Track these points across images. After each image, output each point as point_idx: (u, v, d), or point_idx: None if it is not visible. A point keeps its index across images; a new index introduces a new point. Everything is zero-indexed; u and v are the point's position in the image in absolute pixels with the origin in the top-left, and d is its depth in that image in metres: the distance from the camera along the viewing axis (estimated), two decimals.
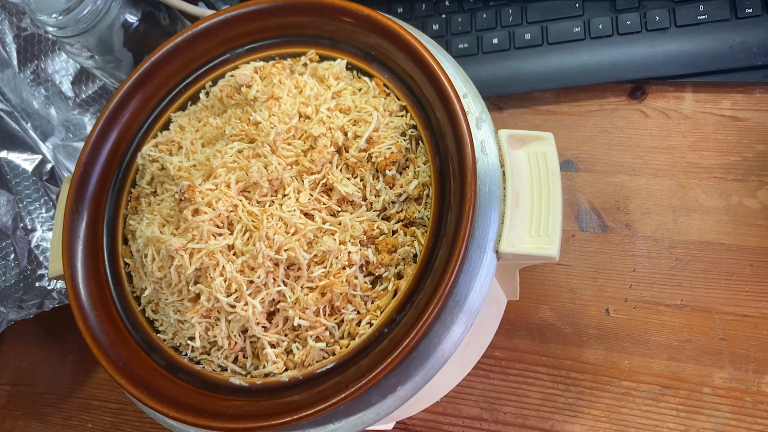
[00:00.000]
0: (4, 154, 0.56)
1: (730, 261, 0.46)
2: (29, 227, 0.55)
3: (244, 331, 0.36)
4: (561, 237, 0.35)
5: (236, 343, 0.36)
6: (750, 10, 0.48)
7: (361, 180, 0.38)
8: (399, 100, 0.39)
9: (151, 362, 0.38)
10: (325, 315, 0.36)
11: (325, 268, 0.36)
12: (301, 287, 0.36)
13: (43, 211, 0.56)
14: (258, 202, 0.37)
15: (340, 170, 0.38)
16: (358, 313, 0.36)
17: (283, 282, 0.36)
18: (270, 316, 0.37)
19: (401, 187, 0.37)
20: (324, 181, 0.37)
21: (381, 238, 0.36)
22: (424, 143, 0.38)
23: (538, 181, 0.36)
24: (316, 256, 0.36)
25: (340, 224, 0.37)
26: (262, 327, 0.36)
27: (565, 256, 0.49)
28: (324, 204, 0.37)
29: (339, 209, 0.37)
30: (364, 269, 0.37)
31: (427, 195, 0.37)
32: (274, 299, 0.36)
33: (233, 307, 0.35)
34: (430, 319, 0.32)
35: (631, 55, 0.51)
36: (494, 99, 0.55)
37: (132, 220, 0.41)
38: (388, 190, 0.37)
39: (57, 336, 0.59)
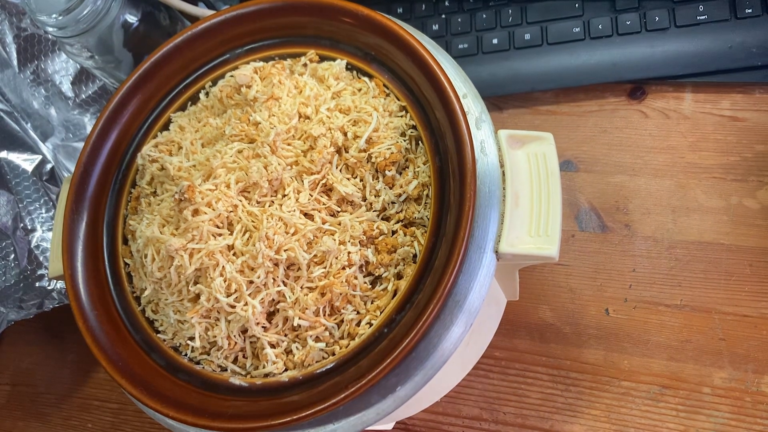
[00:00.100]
0: (4, 154, 0.56)
1: (729, 261, 0.46)
2: (29, 227, 0.55)
3: (244, 331, 0.36)
4: (560, 237, 0.35)
5: (236, 343, 0.36)
6: (749, 11, 0.48)
7: (361, 180, 0.38)
8: (399, 100, 0.39)
9: (151, 362, 0.38)
10: (324, 315, 0.36)
11: (325, 268, 0.36)
12: (301, 287, 0.36)
13: (43, 211, 0.56)
14: (258, 203, 0.37)
15: (340, 170, 0.38)
16: (358, 313, 0.36)
17: (283, 282, 0.36)
18: (270, 316, 0.37)
19: (401, 187, 0.37)
20: (324, 181, 0.37)
21: (381, 238, 0.36)
22: (423, 143, 0.38)
23: (537, 182, 0.36)
24: (315, 256, 0.36)
25: (339, 224, 0.37)
26: (262, 327, 0.36)
27: (564, 256, 0.49)
28: (324, 204, 0.37)
29: (339, 209, 0.37)
30: (364, 269, 0.37)
31: (427, 195, 0.37)
32: (273, 299, 0.36)
33: (233, 307, 0.35)
34: (429, 320, 0.32)
35: (630, 55, 0.51)
36: (494, 99, 0.55)
37: (132, 220, 0.41)
38: (388, 190, 0.37)
39: (57, 336, 0.59)
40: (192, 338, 0.37)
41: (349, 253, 0.36)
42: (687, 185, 0.49)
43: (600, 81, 0.51)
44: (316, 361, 0.36)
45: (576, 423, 0.45)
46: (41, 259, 0.55)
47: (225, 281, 0.35)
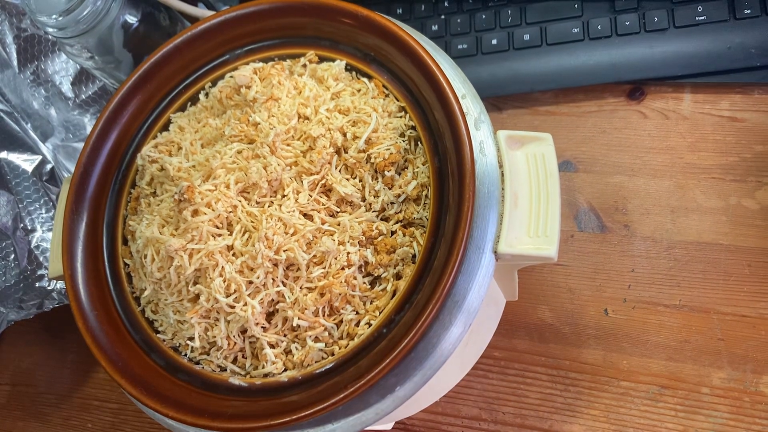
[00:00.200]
0: (4, 154, 0.56)
1: (728, 261, 0.46)
2: (29, 227, 0.55)
3: (244, 331, 0.37)
4: (559, 237, 0.35)
5: (235, 343, 0.36)
6: (748, 11, 0.48)
7: (360, 181, 0.38)
8: (398, 101, 0.39)
9: (150, 362, 0.38)
10: (324, 315, 0.36)
11: (324, 268, 0.36)
12: (300, 288, 0.36)
13: (43, 211, 0.56)
14: (257, 203, 0.37)
15: (339, 171, 0.38)
16: (357, 313, 0.36)
17: (282, 282, 0.36)
18: (269, 316, 0.37)
19: (400, 187, 0.37)
20: (323, 181, 0.37)
21: (380, 238, 0.36)
22: (422, 144, 0.38)
23: (536, 182, 0.36)
24: (315, 256, 0.36)
25: (339, 225, 0.37)
26: (262, 327, 0.36)
27: (563, 256, 0.49)
28: (323, 205, 0.37)
29: (338, 210, 0.37)
30: (363, 270, 0.37)
31: (426, 196, 0.37)
32: (273, 300, 0.36)
33: (232, 307, 0.35)
34: (428, 320, 0.32)
35: (629, 55, 0.51)
36: (493, 100, 0.55)
37: (132, 220, 0.41)
38: (387, 190, 0.37)
39: (57, 336, 0.59)
40: (192, 338, 0.37)
41: (348, 253, 0.36)
42: (686, 186, 0.49)
43: (599, 81, 0.51)
44: (316, 362, 0.36)
45: (575, 423, 0.45)
46: (41, 259, 0.55)
47: (224, 281, 0.35)
